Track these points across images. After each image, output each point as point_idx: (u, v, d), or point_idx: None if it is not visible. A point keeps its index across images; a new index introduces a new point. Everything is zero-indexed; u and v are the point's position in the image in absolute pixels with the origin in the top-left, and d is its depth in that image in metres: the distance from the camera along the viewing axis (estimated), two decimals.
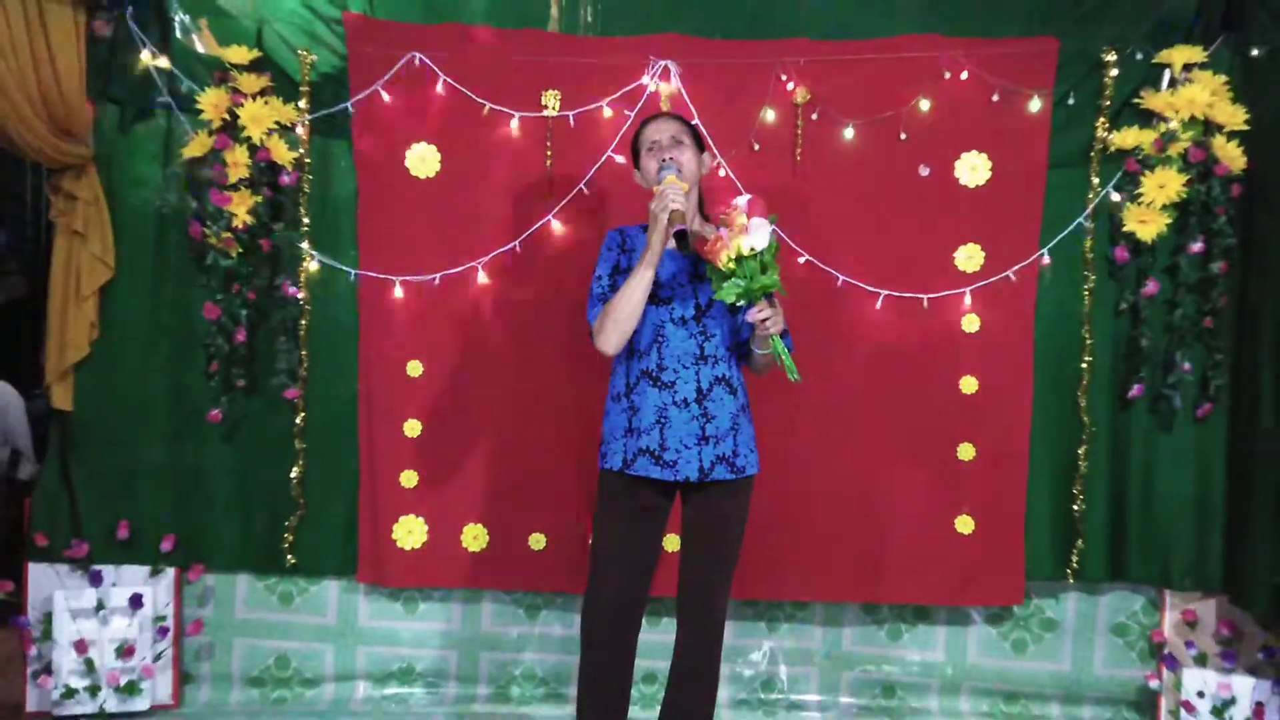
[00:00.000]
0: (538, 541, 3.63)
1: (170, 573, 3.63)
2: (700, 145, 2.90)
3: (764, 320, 2.60)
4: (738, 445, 2.80)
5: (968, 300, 3.53)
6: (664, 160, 2.74)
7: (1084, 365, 3.55)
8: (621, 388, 2.84)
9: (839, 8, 3.57)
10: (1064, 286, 3.55)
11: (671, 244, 2.62)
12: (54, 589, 3.52)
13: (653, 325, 2.78)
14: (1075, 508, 3.58)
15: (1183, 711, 3.52)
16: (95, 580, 3.53)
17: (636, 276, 2.67)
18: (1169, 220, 3.44)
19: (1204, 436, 3.55)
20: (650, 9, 3.57)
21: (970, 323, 3.54)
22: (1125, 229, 3.47)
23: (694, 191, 2.84)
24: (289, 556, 3.63)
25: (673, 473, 2.75)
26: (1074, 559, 3.59)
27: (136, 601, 3.53)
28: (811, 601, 3.74)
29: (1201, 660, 3.55)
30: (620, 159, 3.47)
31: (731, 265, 2.56)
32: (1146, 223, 3.44)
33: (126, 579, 3.59)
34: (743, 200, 2.60)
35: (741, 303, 2.60)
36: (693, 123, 3.03)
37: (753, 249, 2.54)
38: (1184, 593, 3.59)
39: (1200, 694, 3.50)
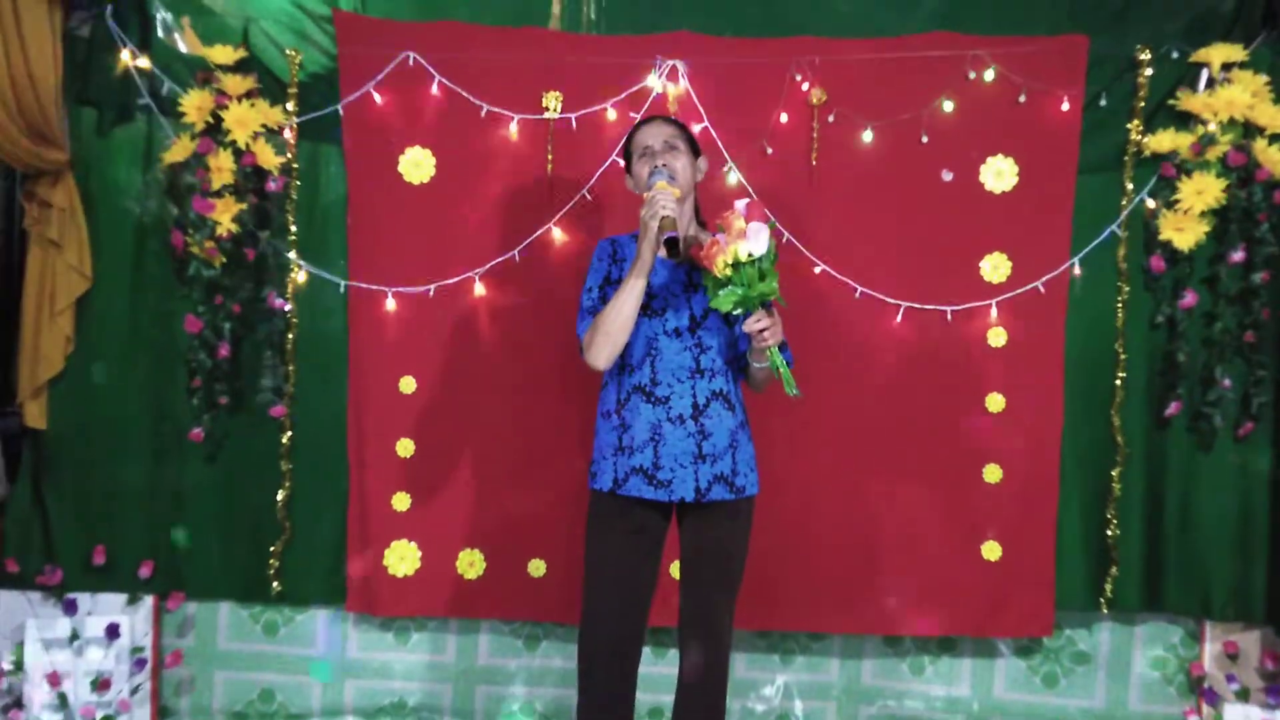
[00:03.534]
0: (537, 568, 3.63)
1: (148, 601, 3.64)
2: (696, 150, 2.91)
3: (761, 331, 2.61)
4: (736, 464, 2.81)
5: (994, 313, 3.53)
6: (655, 165, 2.75)
7: (1118, 382, 3.56)
8: (612, 404, 2.85)
9: (857, 4, 3.60)
10: (1096, 298, 3.55)
11: (663, 252, 2.61)
12: (25, 617, 3.53)
13: (645, 338, 2.79)
14: (1109, 533, 3.58)
15: None
16: (69, 609, 3.54)
17: (627, 286, 2.68)
18: (1208, 228, 3.44)
19: (1246, 457, 3.55)
20: (656, 5, 3.60)
21: (996, 336, 3.54)
22: (1161, 237, 3.48)
23: (688, 198, 2.86)
24: (274, 584, 3.64)
25: (667, 493, 2.76)
26: (1108, 588, 3.59)
27: (113, 631, 3.54)
28: (828, 632, 3.74)
29: (1244, 695, 3.54)
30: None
31: (728, 271, 2.57)
32: (1184, 230, 3.45)
33: (102, 607, 3.59)
34: (741, 204, 2.61)
35: (738, 311, 2.61)
36: (684, 125, 3.00)
37: (750, 255, 2.55)
38: (1225, 623, 3.59)
39: None
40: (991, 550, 3.56)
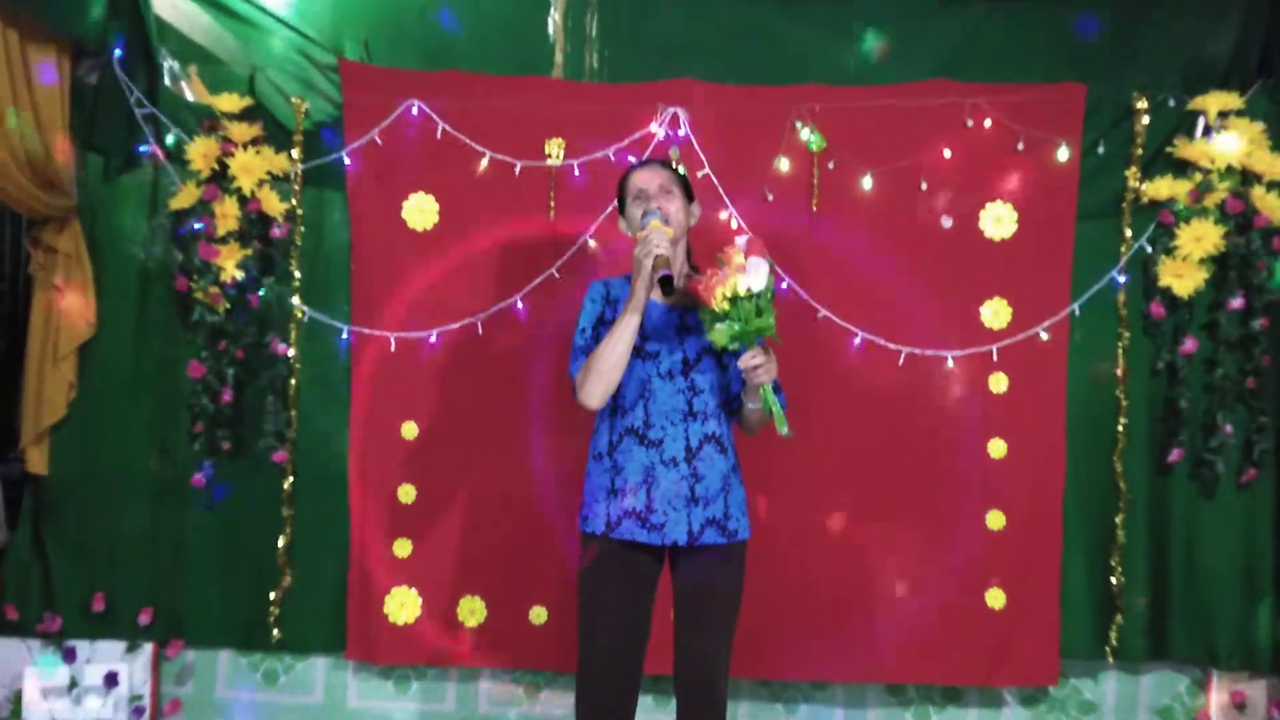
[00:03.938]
0: (539, 615, 3.62)
1: (148, 648, 3.63)
2: (690, 195, 2.92)
3: (756, 367, 2.60)
4: (729, 507, 2.79)
5: (995, 358, 3.55)
6: (649, 208, 2.76)
7: (1119, 428, 3.57)
8: (604, 446, 2.84)
9: (856, 52, 3.66)
10: (1097, 344, 3.58)
11: (656, 292, 2.62)
12: (24, 665, 3.52)
13: (639, 380, 2.78)
14: (1113, 581, 3.58)
15: None
16: (68, 656, 3.53)
17: (620, 325, 2.68)
18: (1207, 274, 3.48)
19: (1249, 504, 3.56)
20: (658, 54, 3.66)
21: (998, 382, 3.56)
22: (1160, 283, 3.52)
23: (681, 242, 2.87)
24: (274, 631, 3.64)
25: (660, 536, 2.74)
26: (1113, 636, 3.58)
27: (111, 680, 3.53)
28: (830, 680, 3.72)
29: None
30: None
31: (725, 305, 2.55)
32: (1183, 277, 3.48)
33: (101, 655, 3.59)
34: (741, 240, 2.61)
35: (734, 346, 2.58)
36: (681, 171, 3.02)
37: (749, 289, 2.54)
38: (1231, 672, 3.58)
39: None
40: (996, 598, 3.55)
